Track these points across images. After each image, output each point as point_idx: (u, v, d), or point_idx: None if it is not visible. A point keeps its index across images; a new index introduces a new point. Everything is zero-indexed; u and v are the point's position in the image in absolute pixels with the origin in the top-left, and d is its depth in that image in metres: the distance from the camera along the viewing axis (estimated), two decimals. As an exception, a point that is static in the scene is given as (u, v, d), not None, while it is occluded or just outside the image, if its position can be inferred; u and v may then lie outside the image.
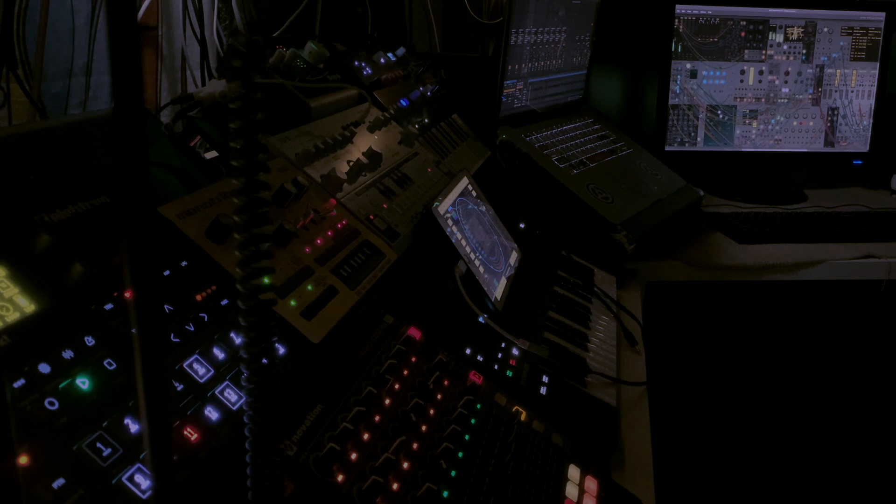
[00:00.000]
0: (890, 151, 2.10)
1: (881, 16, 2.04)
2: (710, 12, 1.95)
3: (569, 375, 0.99)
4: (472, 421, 0.77)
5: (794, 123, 2.05)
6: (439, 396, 0.78)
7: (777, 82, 2.03)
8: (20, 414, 0.49)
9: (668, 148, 1.97)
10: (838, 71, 2.05)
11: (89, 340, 0.57)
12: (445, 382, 0.81)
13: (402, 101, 1.41)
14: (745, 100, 2.01)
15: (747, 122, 2.02)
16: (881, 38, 2.05)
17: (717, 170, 2.04)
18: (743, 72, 2.00)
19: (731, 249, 1.64)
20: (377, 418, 0.70)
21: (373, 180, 1.08)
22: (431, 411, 0.75)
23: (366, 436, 0.67)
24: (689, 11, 1.94)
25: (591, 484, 0.81)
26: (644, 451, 0.95)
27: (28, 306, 0.56)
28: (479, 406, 0.80)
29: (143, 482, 0.51)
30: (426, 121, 1.48)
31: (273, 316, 0.44)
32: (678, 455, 2.07)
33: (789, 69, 2.03)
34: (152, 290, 0.35)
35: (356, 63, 1.36)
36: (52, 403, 0.51)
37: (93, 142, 0.81)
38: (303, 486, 0.60)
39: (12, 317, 0.54)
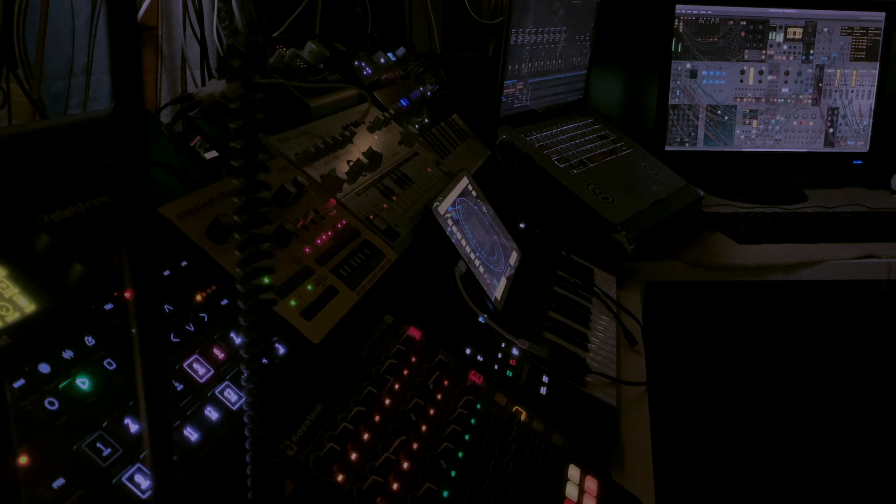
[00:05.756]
0: (890, 151, 2.10)
1: (881, 16, 2.04)
2: (710, 12, 1.95)
3: (569, 375, 0.99)
4: (472, 421, 0.77)
5: (794, 123, 2.05)
6: (439, 396, 0.78)
7: (777, 82, 2.03)
8: (20, 414, 0.49)
9: (668, 148, 1.97)
10: (838, 71, 2.05)
11: (89, 340, 0.57)
12: (445, 382, 0.81)
13: (402, 101, 1.41)
14: (745, 100, 2.01)
15: (747, 122, 2.02)
16: (881, 38, 2.05)
17: (717, 170, 2.04)
18: (743, 72, 2.00)
19: (731, 249, 1.64)
20: (377, 418, 0.70)
21: (373, 180, 1.08)
22: (431, 411, 0.75)
23: (366, 436, 0.67)
24: (689, 11, 1.94)
25: (591, 484, 0.81)
26: (644, 451, 0.95)
27: (28, 306, 0.56)
28: (479, 406, 0.80)
29: (143, 482, 0.51)
30: (426, 121, 1.48)
31: (273, 316, 0.44)
32: (678, 455, 2.07)
33: (789, 69, 2.03)
34: (152, 290, 0.35)
35: (356, 63, 1.35)
36: (52, 403, 0.51)
37: (93, 142, 0.81)
38: (303, 486, 0.60)
39: (12, 317, 0.54)
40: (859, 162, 2.10)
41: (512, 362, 0.95)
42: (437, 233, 1.03)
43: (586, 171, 1.57)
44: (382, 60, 1.47)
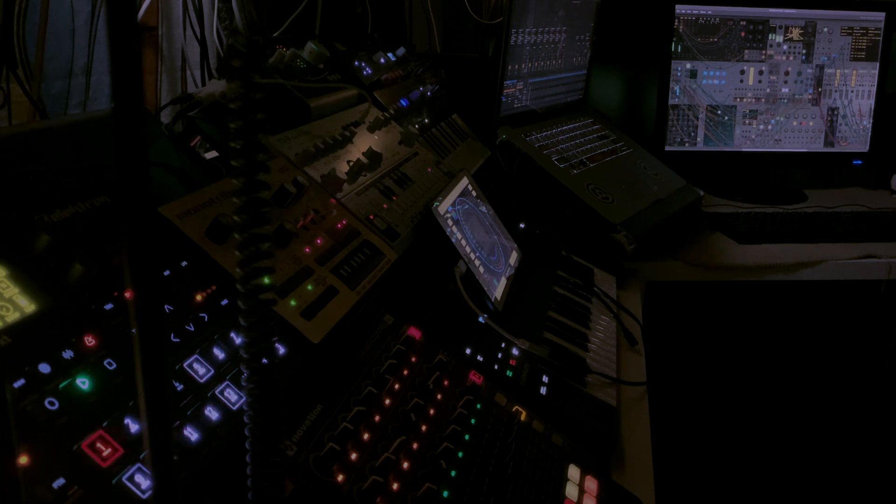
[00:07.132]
0: (890, 151, 2.10)
1: (881, 16, 2.04)
2: (710, 12, 1.95)
3: (569, 375, 0.99)
4: (472, 421, 0.77)
5: (794, 123, 2.05)
6: (439, 396, 0.78)
7: (777, 82, 2.03)
8: (20, 414, 0.49)
9: (668, 148, 1.97)
10: (838, 71, 2.05)
11: (89, 340, 0.57)
12: (445, 382, 0.81)
13: (402, 101, 1.41)
14: (744, 100, 2.01)
15: (747, 122, 2.02)
16: (881, 38, 2.05)
17: (717, 170, 2.04)
18: (743, 72, 2.00)
19: (731, 249, 1.64)
20: (377, 418, 0.70)
21: (373, 180, 1.08)
22: (431, 411, 0.75)
23: (366, 436, 0.67)
24: (689, 11, 1.94)
25: (591, 484, 0.81)
26: (644, 451, 0.95)
27: (28, 306, 0.56)
28: (479, 406, 0.80)
29: (143, 482, 0.51)
30: (426, 121, 1.48)
31: (273, 316, 0.44)
32: (678, 455, 2.07)
33: (789, 69, 2.03)
34: (152, 290, 0.35)
35: (356, 63, 1.35)
36: (52, 403, 0.51)
37: (93, 142, 0.81)
38: (303, 486, 0.60)
39: (12, 317, 0.54)
40: (859, 162, 2.10)
41: (512, 362, 0.95)
42: (437, 233, 1.03)
43: (586, 171, 1.57)
44: (382, 60, 1.47)
